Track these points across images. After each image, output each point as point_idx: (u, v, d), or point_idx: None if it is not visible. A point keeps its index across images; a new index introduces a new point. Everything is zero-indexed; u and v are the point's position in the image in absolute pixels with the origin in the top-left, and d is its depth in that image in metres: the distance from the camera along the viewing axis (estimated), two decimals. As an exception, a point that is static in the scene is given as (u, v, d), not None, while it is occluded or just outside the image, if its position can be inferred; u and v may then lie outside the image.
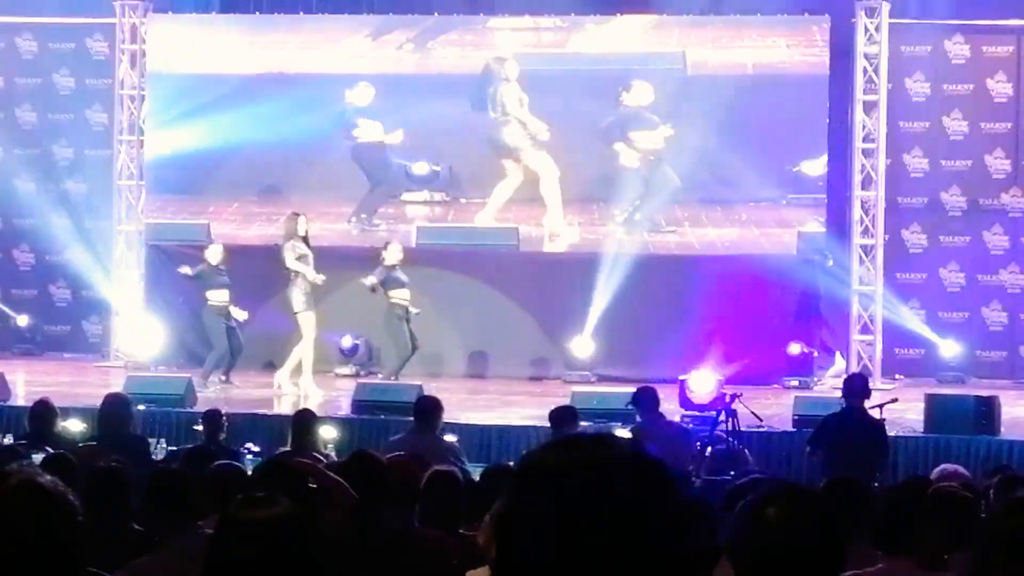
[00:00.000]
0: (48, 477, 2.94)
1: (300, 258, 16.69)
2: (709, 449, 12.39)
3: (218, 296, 17.21)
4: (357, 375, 18.15)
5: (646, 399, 11.50)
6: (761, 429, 13.66)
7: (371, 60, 19.55)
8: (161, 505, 5.83)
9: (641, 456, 2.10)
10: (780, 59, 18.62)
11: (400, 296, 16.93)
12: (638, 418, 11.61)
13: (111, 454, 8.95)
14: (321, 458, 9.30)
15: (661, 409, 11.65)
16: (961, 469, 8.42)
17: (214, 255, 17.32)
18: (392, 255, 17.01)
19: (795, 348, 18.07)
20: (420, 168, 19.28)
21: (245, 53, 19.74)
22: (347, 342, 18.73)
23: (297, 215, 17.04)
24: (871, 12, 18.62)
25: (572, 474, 2.07)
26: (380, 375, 17.43)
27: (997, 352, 18.91)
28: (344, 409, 14.84)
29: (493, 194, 19.05)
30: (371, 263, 17.24)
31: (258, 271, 18.11)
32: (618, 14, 19.19)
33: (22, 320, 20.33)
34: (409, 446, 9.46)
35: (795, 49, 18.64)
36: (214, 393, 16.38)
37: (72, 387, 16.41)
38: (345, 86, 19.40)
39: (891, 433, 12.26)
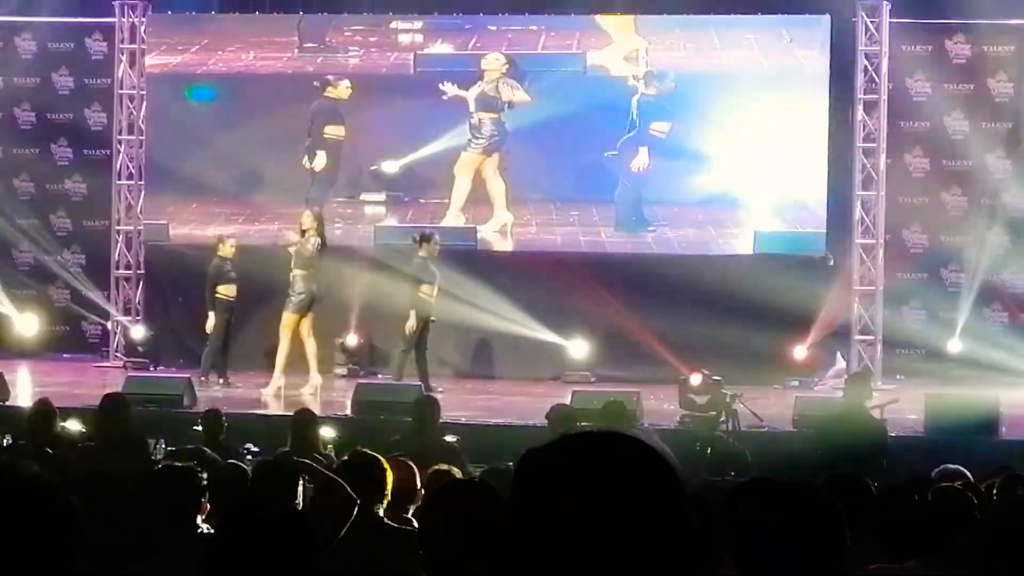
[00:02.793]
0: (48, 477, 2.93)
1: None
2: (709, 449, 12.38)
3: (227, 290, 17.33)
4: (357, 375, 18.17)
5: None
6: (761, 429, 13.66)
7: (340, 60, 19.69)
8: (160, 505, 5.82)
9: (647, 453, 2.09)
10: (780, 59, 18.60)
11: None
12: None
13: (110, 454, 8.95)
14: (321, 458, 9.29)
15: (666, 408, 11.57)
16: (962, 469, 8.41)
17: (227, 249, 17.44)
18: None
19: (799, 351, 18.06)
20: (389, 167, 19.32)
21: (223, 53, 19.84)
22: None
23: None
24: (871, 12, 18.60)
25: (577, 472, 2.06)
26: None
27: (997, 352, 18.87)
28: (344, 409, 14.85)
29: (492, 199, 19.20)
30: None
31: (258, 271, 18.13)
32: (620, 13, 19.19)
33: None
34: (408, 446, 9.45)
35: (795, 49, 18.62)
36: (217, 392, 16.42)
37: (72, 387, 16.41)
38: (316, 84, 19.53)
39: (891, 433, 12.25)
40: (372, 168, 19.34)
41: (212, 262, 17.44)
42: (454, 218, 19.07)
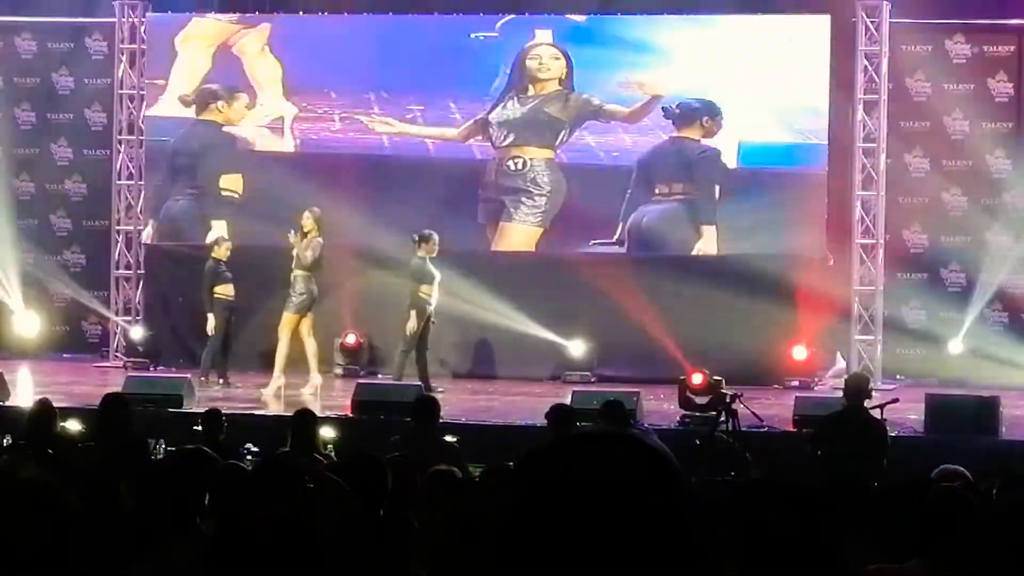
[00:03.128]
0: (48, 477, 2.94)
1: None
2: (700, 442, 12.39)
3: (224, 290, 17.31)
4: (357, 375, 18.17)
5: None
6: (761, 429, 13.65)
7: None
8: (160, 506, 5.82)
9: (647, 453, 2.09)
10: (780, 59, 18.58)
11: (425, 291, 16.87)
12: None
13: (110, 454, 8.95)
14: (321, 458, 9.30)
15: (666, 408, 11.54)
16: (960, 469, 8.40)
17: (222, 252, 17.42)
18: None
19: (799, 352, 18.04)
20: None
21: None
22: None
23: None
24: (871, 12, 18.59)
25: (578, 473, 2.06)
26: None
27: (997, 352, 18.87)
28: (344, 409, 14.85)
29: None
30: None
31: (259, 271, 18.14)
32: (619, 13, 19.19)
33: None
34: (408, 446, 9.46)
35: (795, 49, 18.60)
36: (217, 392, 16.41)
37: (72, 387, 16.41)
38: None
39: (891, 433, 12.25)
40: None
41: (207, 264, 17.46)
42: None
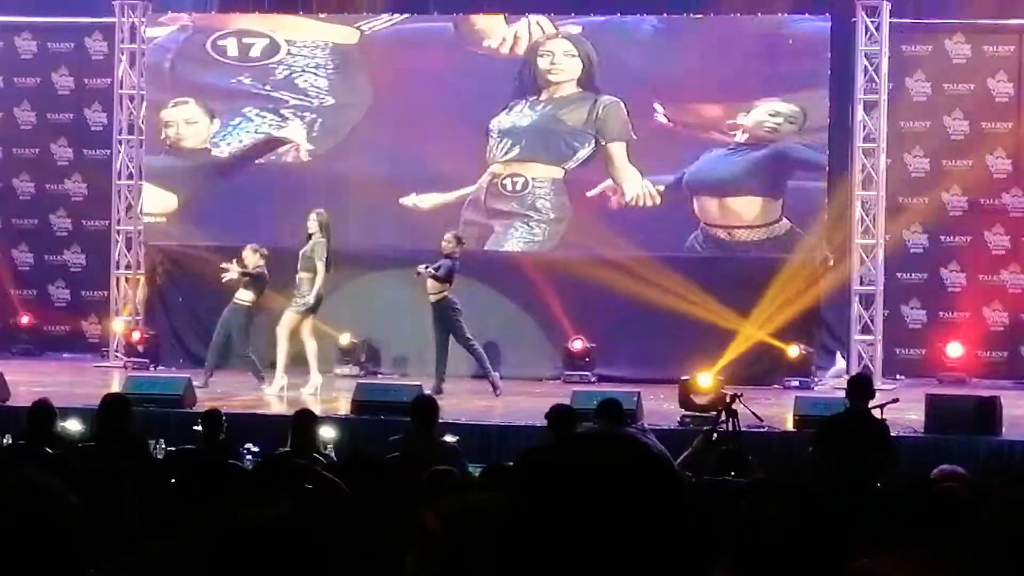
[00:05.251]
0: (48, 477, 2.94)
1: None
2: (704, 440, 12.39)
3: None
4: (356, 375, 18.16)
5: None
6: (762, 429, 13.65)
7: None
8: (160, 505, 5.81)
9: (647, 455, 2.09)
10: (780, 59, 18.56)
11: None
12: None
13: (110, 454, 8.95)
14: (321, 458, 9.30)
15: (666, 408, 11.54)
16: (960, 469, 8.40)
17: (252, 258, 17.09)
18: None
19: (795, 351, 18.03)
20: None
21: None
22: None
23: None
24: (871, 12, 18.59)
25: (575, 475, 2.06)
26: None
27: (997, 352, 18.90)
28: (344, 409, 14.85)
29: None
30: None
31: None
32: (618, 13, 19.13)
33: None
34: (407, 447, 9.46)
35: (795, 49, 18.58)
36: (217, 392, 16.39)
37: (72, 387, 16.40)
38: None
39: (892, 433, 12.23)
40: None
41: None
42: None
